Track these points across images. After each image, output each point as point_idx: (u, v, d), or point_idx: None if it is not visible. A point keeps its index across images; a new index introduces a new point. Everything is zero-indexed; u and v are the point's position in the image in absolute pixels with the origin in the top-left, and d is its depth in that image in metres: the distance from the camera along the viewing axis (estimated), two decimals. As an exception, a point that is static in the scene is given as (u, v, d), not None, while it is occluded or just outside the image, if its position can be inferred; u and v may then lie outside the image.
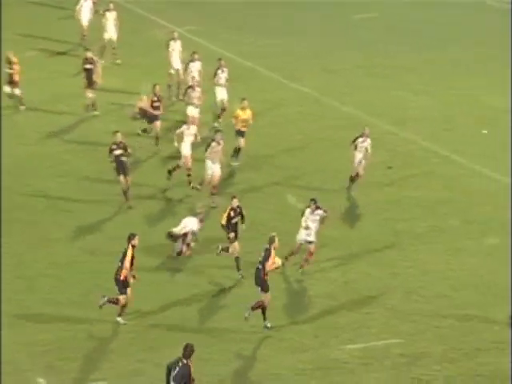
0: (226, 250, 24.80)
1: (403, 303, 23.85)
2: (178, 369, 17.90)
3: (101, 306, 22.56)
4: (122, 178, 28.08)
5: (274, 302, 23.06)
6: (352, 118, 35.42)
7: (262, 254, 22.82)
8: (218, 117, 33.54)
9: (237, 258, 24.67)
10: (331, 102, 37.10)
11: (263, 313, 22.56)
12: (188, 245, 25.50)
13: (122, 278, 22.35)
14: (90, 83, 33.90)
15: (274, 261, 22.73)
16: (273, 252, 22.65)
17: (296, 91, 37.99)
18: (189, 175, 29.15)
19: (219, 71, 33.67)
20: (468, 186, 30.57)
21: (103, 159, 29.37)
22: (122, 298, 22.38)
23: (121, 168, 28.02)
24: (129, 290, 22.46)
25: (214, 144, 28.32)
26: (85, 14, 40.25)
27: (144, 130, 32.24)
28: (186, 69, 34.52)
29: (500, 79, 39.72)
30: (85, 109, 34.32)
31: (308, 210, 24.94)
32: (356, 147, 29.30)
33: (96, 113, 34.25)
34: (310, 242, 24.85)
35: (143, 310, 23.17)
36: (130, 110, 34.11)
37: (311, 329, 22.76)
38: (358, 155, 29.25)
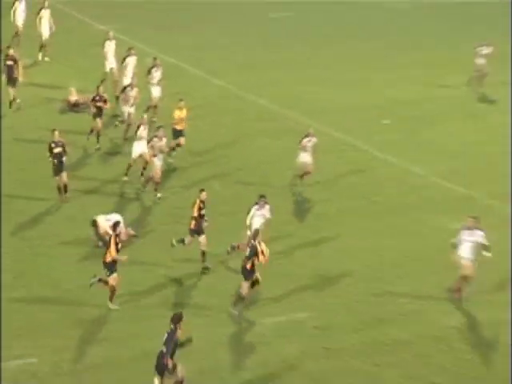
0: (183, 241, 24.20)
1: (317, 280, 23.89)
2: (166, 334, 18.33)
3: (91, 285, 22.24)
4: (58, 177, 27.36)
5: (194, 279, 23.25)
6: (269, 111, 35.35)
7: (248, 249, 22.37)
8: (147, 110, 32.81)
9: (203, 252, 24.10)
10: (249, 97, 36.87)
11: (239, 300, 22.36)
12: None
13: (108, 260, 22.05)
14: (10, 80, 33.04)
15: (264, 253, 22.28)
16: (259, 246, 22.25)
17: (218, 87, 37.72)
18: (142, 174, 28.63)
19: (153, 70, 33.27)
20: (372, 171, 30.65)
21: (37, 151, 29.10)
22: (111, 279, 22.01)
23: (58, 166, 27.27)
24: (115, 274, 22.06)
25: (155, 139, 27.95)
26: (20, 15, 39.42)
27: (92, 132, 31.25)
28: (122, 63, 33.97)
29: (398, 73, 39.97)
30: (9, 105, 33.46)
31: (255, 207, 24.49)
32: (302, 147, 28.84)
33: (18, 104, 33.43)
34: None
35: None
36: (59, 104, 33.95)
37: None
38: (304, 154, 28.83)
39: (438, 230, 26.38)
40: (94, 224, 25.03)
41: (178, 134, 30.04)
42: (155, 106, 33.27)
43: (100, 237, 24.83)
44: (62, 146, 27.40)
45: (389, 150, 32.03)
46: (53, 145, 27.36)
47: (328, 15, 49.73)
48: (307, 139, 29.08)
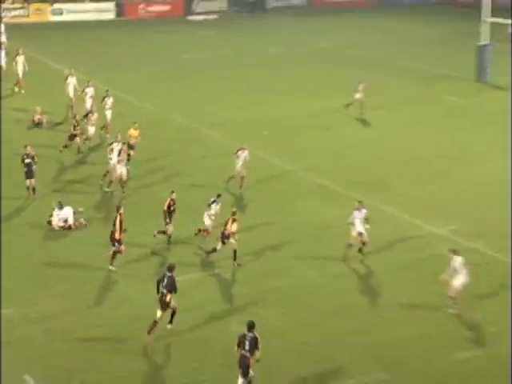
0: (163, 232, 23.54)
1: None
2: (166, 280, 18.55)
3: (108, 256, 21.94)
4: (28, 181, 26.87)
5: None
6: (184, 126, 35.39)
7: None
8: (106, 132, 32.94)
9: (169, 237, 23.55)
10: (169, 115, 36.93)
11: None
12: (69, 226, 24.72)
13: (116, 237, 21.85)
14: None
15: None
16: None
17: (146, 109, 37.60)
18: (111, 181, 27.86)
19: (106, 98, 33.32)
20: (259, 169, 30.26)
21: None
22: (122, 248, 21.88)
23: (29, 173, 26.74)
24: (123, 246, 21.91)
25: (122, 152, 27.58)
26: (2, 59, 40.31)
27: (65, 146, 30.89)
28: (82, 92, 34.18)
29: (274, 97, 40.28)
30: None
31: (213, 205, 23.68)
32: (237, 157, 28.01)
33: None
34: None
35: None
36: (28, 122, 33.90)
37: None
38: (240, 162, 27.89)
39: (304, 207, 26.82)
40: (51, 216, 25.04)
41: (130, 147, 29.40)
42: (108, 125, 33.21)
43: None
44: (32, 158, 26.85)
45: (270, 153, 32.30)
46: (24, 156, 26.86)
47: (225, 57, 50.32)
48: (241, 151, 27.96)
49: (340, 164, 31.37)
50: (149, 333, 18.68)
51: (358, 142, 34.10)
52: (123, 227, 22.00)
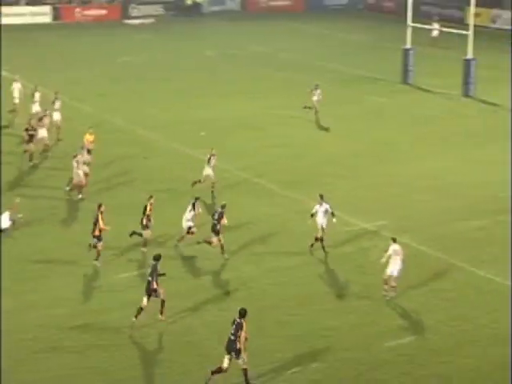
0: (140, 234, 23.23)
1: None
2: (151, 268, 19.23)
3: (89, 250, 22.19)
4: None
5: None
6: (123, 128, 35.20)
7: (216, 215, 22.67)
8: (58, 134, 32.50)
9: (145, 239, 23.22)
10: (109, 118, 36.63)
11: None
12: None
13: (97, 233, 22.04)
14: None
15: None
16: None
17: (83, 111, 37.26)
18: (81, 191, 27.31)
19: (56, 100, 32.85)
20: (197, 170, 29.93)
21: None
22: (99, 245, 22.12)
23: None
24: (101, 242, 22.10)
25: (79, 156, 27.17)
26: None
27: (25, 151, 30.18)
28: (32, 97, 33.48)
29: (207, 99, 40.41)
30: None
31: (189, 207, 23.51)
32: (207, 163, 27.42)
33: None
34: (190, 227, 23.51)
35: None
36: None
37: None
38: (208, 168, 27.37)
39: (240, 205, 26.64)
40: None
41: (89, 152, 28.89)
42: (59, 127, 32.67)
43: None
44: None
45: (206, 153, 31.80)
46: None
47: (162, 60, 50.07)
48: (213, 157, 27.46)
49: (273, 163, 31.50)
50: (135, 317, 19.18)
51: (290, 141, 34.28)
52: (104, 224, 22.10)
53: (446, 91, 42.45)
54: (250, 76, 46.17)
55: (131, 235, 23.41)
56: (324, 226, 23.12)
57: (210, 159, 27.60)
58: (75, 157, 27.17)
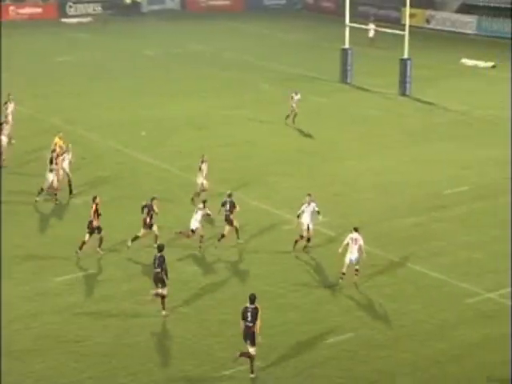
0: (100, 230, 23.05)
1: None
2: (157, 260, 19.75)
3: (76, 252, 22.55)
4: None
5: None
6: (62, 128, 33.42)
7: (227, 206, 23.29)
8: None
9: (101, 237, 23.01)
10: (47, 118, 36.25)
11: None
12: None
13: (95, 225, 22.50)
14: None
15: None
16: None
17: (20, 112, 35.79)
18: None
19: (8, 103, 32.50)
20: (136, 169, 30.72)
21: None
22: (101, 235, 22.75)
23: None
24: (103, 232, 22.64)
25: (53, 160, 26.68)
26: None
27: None
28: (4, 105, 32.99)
29: (148, 99, 40.25)
30: None
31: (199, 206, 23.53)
32: (200, 170, 26.68)
33: None
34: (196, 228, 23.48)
35: None
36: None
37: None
38: (202, 176, 26.68)
39: (180, 205, 26.58)
40: None
41: (57, 156, 27.82)
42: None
43: None
44: None
45: (148, 153, 32.13)
46: None
47: (101, 60, 49.65)
48: (204, 164, 26.67)
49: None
50: (164, 309, 19.78)
51: (234, 140, 34.35)
52: (99, 214, 22.61)
53: (384, 90, 43.14)
54: (194, 75, 46.05)
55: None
56: (311, 226, 23.24)
57: (200, 167, 26.71)
58: (51, 162, 26.77)
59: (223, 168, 30.65)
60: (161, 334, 18.99)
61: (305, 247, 23.63)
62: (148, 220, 23.19)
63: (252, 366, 17.54)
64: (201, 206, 23.45)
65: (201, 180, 26.78)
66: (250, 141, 34.45)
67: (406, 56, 42.45)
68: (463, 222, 26.15)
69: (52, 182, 26.81)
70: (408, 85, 42.46)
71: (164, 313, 19.92)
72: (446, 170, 31.07)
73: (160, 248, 20.12)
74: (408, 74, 42.42)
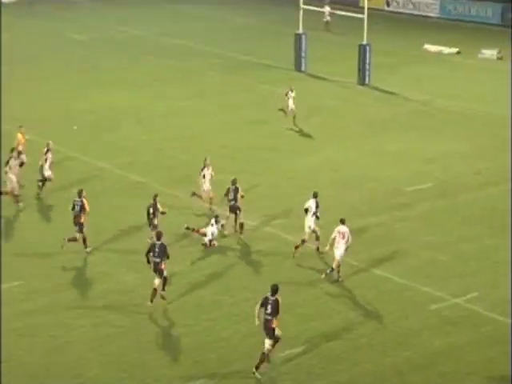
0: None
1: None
2: (157, 248, 20.34)
3: (62, 246, 22.93)
4: None
5: None
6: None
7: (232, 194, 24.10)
8: None
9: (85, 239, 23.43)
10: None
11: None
12: None
13: (81, 220, 22.93)
14: None
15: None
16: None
17: None
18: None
19: None
20: (69, 167, 30.13)
21: None
22: (78, 236, 23.13)
23: None
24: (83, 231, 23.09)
25: (12, 160, 26.42)
26: None
27: None
28: None
29: (80, 90, 39.77)
30: None
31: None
32: (204, 175, 25.90)
33: None
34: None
35: None
36: None
37: None
38: (207, 182, 25.90)
39: (121, 207, 26.46)
40: None
41: (20, 153, 27.80)
42: None
43: None
44: None
45: (81, 150, 31.73)
46: None
47: (24, 43, 48.82)
48: (206, 169, 25.84)
49: (158, 159, 31.24)
50: (151, 301, 20.53)
51: (175, 134, 34.18)
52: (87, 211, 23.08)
53: (341, 79, 43.39)
54: (131, 63, 45.90)
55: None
56: (316, 230, 23.28)
57: (203, 172, 26.04)
58: (7, 163, 26.42)
59: (164, 166, 30.38)
60: (97, 352, 18.71)
61: (296, 248, 23.43)
62: (155, 221, 23.75)
63: (261, 361, 17.90)
64: (213, 221, 23.97)
65: (207, 187, 25.97)
66: (194, 134, 34.19)
67: (364, 41, 42.72)
68: (426, 220, 26.38)
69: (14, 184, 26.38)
70: (367, 72, 42.77)
71: (150, 304, 20.67)
72: (408, 165, 31.34)
73: (158, 236, 20.57)
74: (367, 60, 42.71)
